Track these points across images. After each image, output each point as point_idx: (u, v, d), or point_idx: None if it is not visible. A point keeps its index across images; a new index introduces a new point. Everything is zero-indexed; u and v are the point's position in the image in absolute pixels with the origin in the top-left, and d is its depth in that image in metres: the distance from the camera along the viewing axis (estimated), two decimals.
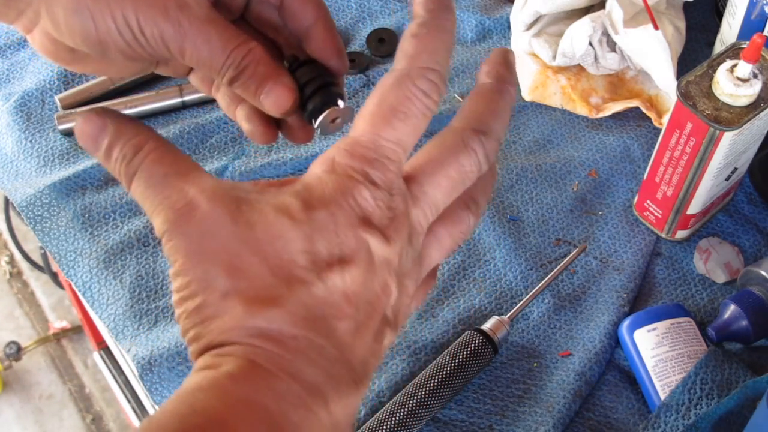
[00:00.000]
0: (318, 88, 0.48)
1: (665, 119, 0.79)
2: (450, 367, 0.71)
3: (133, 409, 1.46)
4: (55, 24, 0.46)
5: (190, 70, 0.52)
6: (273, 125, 0.50)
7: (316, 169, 0.41)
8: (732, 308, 0.74)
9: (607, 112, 0.89)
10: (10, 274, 2.05)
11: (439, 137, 0.45)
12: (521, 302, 0.76)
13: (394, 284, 0.41)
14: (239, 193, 0.40)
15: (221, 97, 0.51)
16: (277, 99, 0.47)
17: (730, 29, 0.86)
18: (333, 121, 0.48)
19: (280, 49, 0.51)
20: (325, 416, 0.37)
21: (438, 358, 0.72)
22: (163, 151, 0.41)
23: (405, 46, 0.43)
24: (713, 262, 0.80)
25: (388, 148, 0.41)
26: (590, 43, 0.85)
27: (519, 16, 0.89)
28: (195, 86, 0.53)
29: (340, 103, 0.48)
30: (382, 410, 0.70)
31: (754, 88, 0.70)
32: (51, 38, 0.47)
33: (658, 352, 0.72)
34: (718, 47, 0.91)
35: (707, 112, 0.70)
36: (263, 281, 0.38)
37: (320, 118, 0.48)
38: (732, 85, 0.70)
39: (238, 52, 0.46)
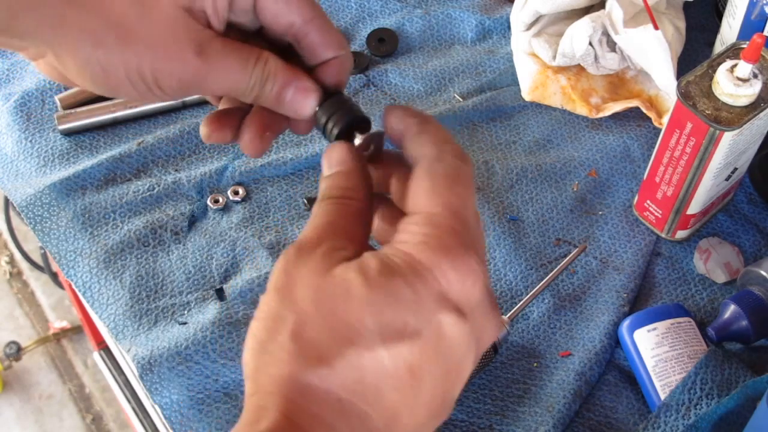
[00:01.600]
0: (345, 115, 0.48)
1: (665, 119, 0.79)
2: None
3: (133, 409, 1.46)
4: (64, 67, 0.46)
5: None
6: (228, 127, 0.51)
7: (407, 229, 0.41)
8: (732, 308, 0.74)
9: (607, 112, 0.89)
10: (10, 274, 2.05)
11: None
12: (521, 302, 0.76)
13: (471, 363, 0.41)
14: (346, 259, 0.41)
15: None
16: (299, 101, 0.48)
17: (730, 29, 0.86)
18: (367, 149, 0.49)
19: (296, 52, 0.51)
20: None
21: None
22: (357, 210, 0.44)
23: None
24: (713, 262, 0.80)
25: (470, 224, 0.41)
26: (590, 43, 0.85)
27: (519, 16, 0.89)
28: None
29: (374, 130, 0.48)
30: None
31: (754, 88, 0.70)
32: (58, 71, 0.47)
33: (658, 352, 0.72)
34: (718, 47, 0.91)
35: (707, 112, 0.70)
36: (326, 338, 0.38)
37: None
38: (732, 85, 0.70)
39: (258, 66, 0.47)
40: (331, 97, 0.49)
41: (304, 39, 0.49)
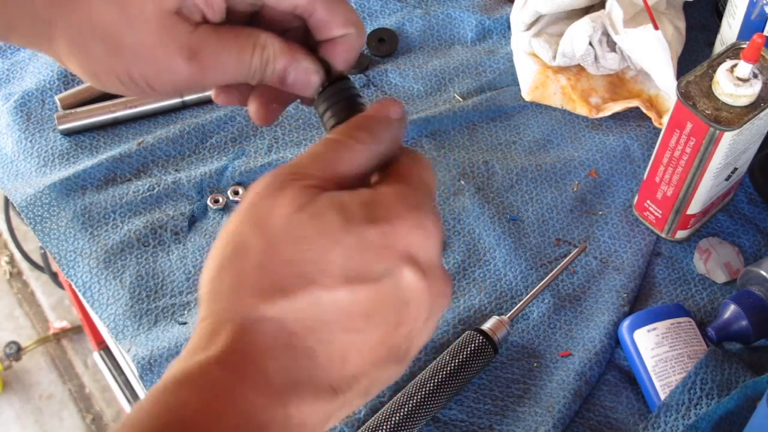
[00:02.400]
0: (345, 107, 0.48)
1: (665, 119, 0.79)
2: (450, 367, 0.71)
3: None
4: (71, 67, 0.47)
5: None
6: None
7: (389, 184, 0.42)
8: (732, 308, 0.74)
9: (607, 112, 0.89)
10: (10, 274, 2.05)
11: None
12: (521, 302, 0.76)
13: (421, 321, 0.41)
14: (320, 191, 0.41)
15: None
16: (300, 83, 0.48)
17: (730, 29, 0.86)
18: None
19: (299, 31, 0.50)
20: (295, 413, 0.38)
21: (438, 358, 0.72)
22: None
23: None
24: (713, 262, 0.80)
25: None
26: (590, 43, 0.85)
27: (519, 16, 0.89)
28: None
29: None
30: (382, 410, 0.70)
31: (754, 88, 0.70)
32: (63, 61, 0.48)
33: (658, 352, 0.72)
34: (718, 47, 0.91)
35: (707, 112, 0.70)
36: (290, 272, 0.39)
37: None
38: (732, 85, 0.70)
39: (257, 54, 0.47)
40: (334, 83, 0.48)
41: (310, 18, 0.48)
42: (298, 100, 0.51)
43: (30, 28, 0.45)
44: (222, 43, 0.46)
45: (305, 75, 0.48)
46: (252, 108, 0.51)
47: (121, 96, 0.90)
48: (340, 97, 0.48)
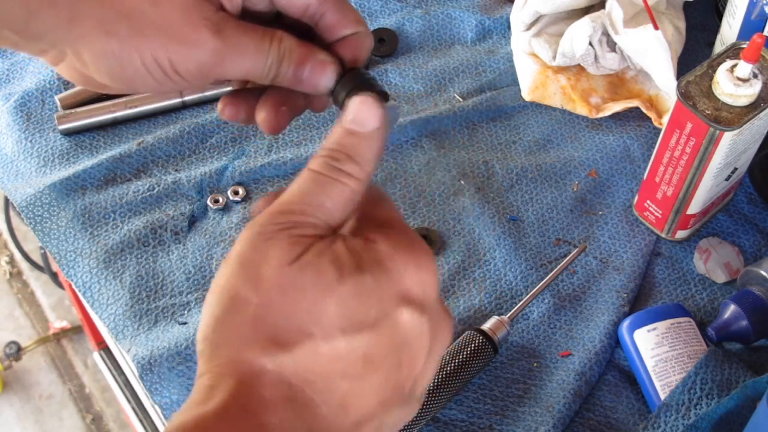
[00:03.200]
0: (363, 89, 0.47)
1: (665, 119, 0.79)
2: (450, 367, 0.71)
3: (133, 409, 1.46)
4: (83, 64, 0.46)
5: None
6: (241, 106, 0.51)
7: (377, 228, 0.42)
8: (732, 308, 0.74)
9: (607, 112, 0.89)
10: (10, 274, 2.05)
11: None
12: (521, 302, 0.76)
13: (423, 358, 0.41)
14: (314, 240, 0.40)
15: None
16: (317, 76, 0.47)
17: (730, 29, 0.86)
18: None
19: (314, 35, 0.50)
20: None
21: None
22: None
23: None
24: (713, 262, 0.80)
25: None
26: (590, 43, 0.85)
27: (519, 16, 0.89)
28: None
29: (391, 101, 0.48)
30: None
31: (754, 88, 0.70)
32: (79, 71, 0.47)
33: (658, 352, 0.72)
34: (718, 47, 0.91)
35: (707, 112, 0.70)
36: (287, 325, 0.39)
37: None
38: (732, 85, 0.70)
39: (274, 46, 0.46)
40: (349, 72, 0.48)
41: (320, 20, 0.48)
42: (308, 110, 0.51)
43: (51, 16, 0.44)
44: (243, 29, 0.46)
45: (322, 67, 0.47)
46: (261, 116, 0.50)
47: (121, 97, 0.90)
48: (358, 80, 0.48)
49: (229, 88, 0.52)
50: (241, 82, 0.52)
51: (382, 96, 0.48)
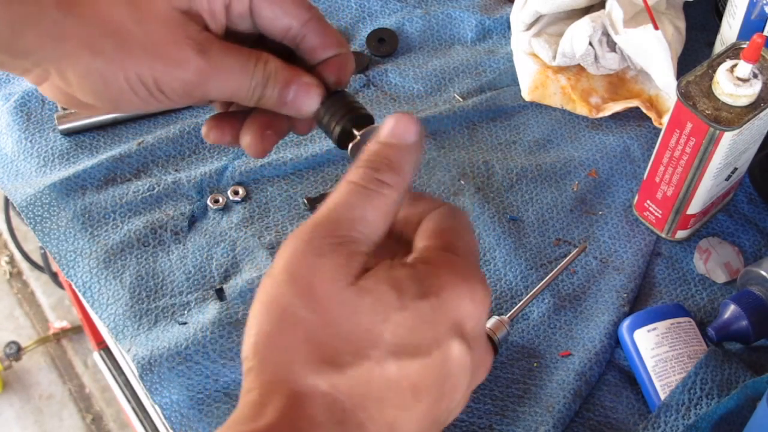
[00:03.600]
0: (347, 112, 0.48)
1: (665, 119, 0.79)
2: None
3: (133, 409, 1.46)
4: (67, 84, 0.46)
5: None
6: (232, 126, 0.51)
7: (437, 251, 0.41)
8: (732, 308, 0.74)
9: (607, 112, 0.89)
10: (10, 274, 2.05)
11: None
12: (521, 302, 0.76)
13: (463, 391, 0.41)
14: (373, 265, 0.40)
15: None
16: (302, 98, 0.47)
17: (730, 29, 0.86)
18: (365, 145, 0.48)
19: (296, 57, 0.51)
20: None
21: None
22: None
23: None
24: (713, 262, 0.80)
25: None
26: (590, 43, 0.85)
27: (519, 16, 0.89)
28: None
29: (376, 126, 0.48)
30: None
31: (754, 88, 0.70)
32: (63, 91, 0.47)
33: (658, 352, 0.72)
34: (718, 47, 0.91)
35: (707, 112, 0.70)
36: (342, 346, 0.38)
37: (350, 144, 0.48)
38: (732, 85, 0.70)
39: (259, 67, 0.46)
40: (333, 95, 0.49)
41: (302, 42, 0.49)
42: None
43: (36, 34, 0.44)
44: (228, 50, 0.46)
45: (307, 89, 0.47)
46: (246, 140, 0.50)
47: None
48: (342, 104, 0.48)
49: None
50: (225, 104, 0.52)
51: (367, 119, 0.48)
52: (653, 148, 0.78)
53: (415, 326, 0.39)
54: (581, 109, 0.89)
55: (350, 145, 0.48)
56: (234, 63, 0.46)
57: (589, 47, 0.86)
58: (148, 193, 0.84)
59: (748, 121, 0.70)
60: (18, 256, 1.95)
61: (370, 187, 0.41)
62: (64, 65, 0.45)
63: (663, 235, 0.82)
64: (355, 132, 0.48)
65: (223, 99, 0.48)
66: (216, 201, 0.84)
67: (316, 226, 0.40)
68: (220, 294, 0.78)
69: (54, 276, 1.78)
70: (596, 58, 0.87)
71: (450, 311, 0.39)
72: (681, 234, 0.81)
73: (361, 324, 0.38)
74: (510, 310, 0.76)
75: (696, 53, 0.94)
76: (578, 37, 0.85)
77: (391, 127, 0.43)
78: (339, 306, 0.38)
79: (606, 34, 0.86)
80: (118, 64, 0.44)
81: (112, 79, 0.45)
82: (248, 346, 0.39)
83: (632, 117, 0.90)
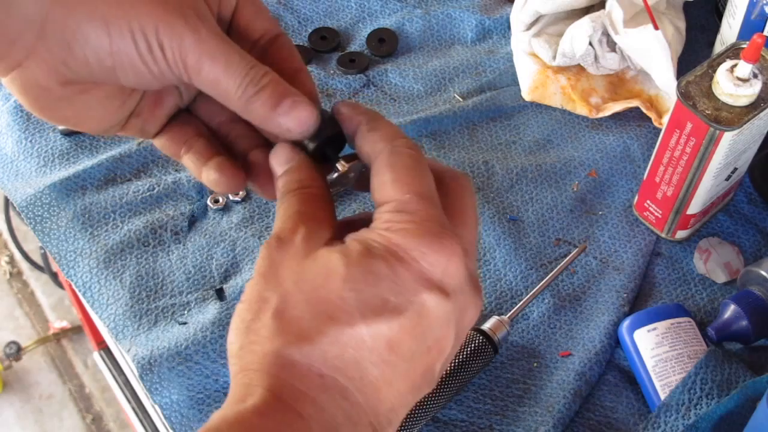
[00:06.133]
0: (331, 142, 0.47)
1: (665, 119, 0.79)
2: (450, 367, 0.71)
3: (133, 409, 1.46)
4: (62, 40, 0.43)
5: (160, 130, 0.50)
6: (241, 172, 0.50)
7: (394, 218, 0.42)
8: (732, 308, 0.74)
9: (607, 112, 0.89)
10: (10, 274, 2.05)
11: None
12: (521, 302, 0.76)
13: (451, 340, 0.42)
14: (331, 242, 0.42)
15: (189, 158, 0.50)
16: (300, 116, 0.45)
17: (730, 29, 0.86)
18: (346, 175, 0.48)
19: None
20: None
21: None
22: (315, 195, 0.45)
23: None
24: (713, 262, 0.80)
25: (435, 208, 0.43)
26: (590, 43, 0.85)
27: (519, 16, 0.89)
28: (160, 148, 0.51)
29: (359, 162, 0.47)
30: None
31: (754, 88, 0.70)
32: (42, 70, 0.44)
33: (658, 352, 0.72)
34: (718, 47, 0.91)
35: (707, 112, 0.70)
36: (306, 316, 0.40)
37: (335, 175, 0.48)
38: (732, 85, 0.70)
39: (257, 70, 0.45)
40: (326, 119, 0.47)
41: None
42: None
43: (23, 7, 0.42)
44: (228, 40, 0.46)
45: (304, 107, 0.45)
46: (220, 175, 0.49)
47: None
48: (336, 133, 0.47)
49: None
50: (181, 127, 0.50)
51: (339, 139, 0.47)
52: (653, 148, 0.78)
53: (375, 284, 0.39)
54: (581, 109, 0.89)
55: (335, 176, 0.48)
56: (231, 50, 0.45)
57: (589, 47, 0.86)
58: (148, 193, 0.84)
59: (748, 121, 0.70)
60: (18, 256, 1.95)
61: (297, 192, 0.45)
62: (64, 12, 0.43)
63: (663, 235, 0.82)
64: (332, 157, 0.47)
65: (209, 84, 0.45)
66: (216, 201, 0.84)
67: (278, 231, 0.43)
68: (220, 294, 0.78)
69: (54, 276, 1.78)
70: (596, 58, 0.87)
71: (411, 268, 0.40)
72: (681, 234, 0.81)
73: (320, 291, 0.40)
74: (510, 310, 0.76)
75: (696, 53, 0.94)
76: (578, 37, 0.85)
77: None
78: (296, 281, 0.40)
79: (606, 34, 0.86)
80: (123, 10, 0.43)
81: (116, 28, 0.43)
82: (229, 335, 0.42)
83: (632, 117, 0.90)
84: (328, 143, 0.47)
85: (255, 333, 0.40)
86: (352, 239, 0.42)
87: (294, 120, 0.45)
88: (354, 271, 0.40)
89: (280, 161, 0.47)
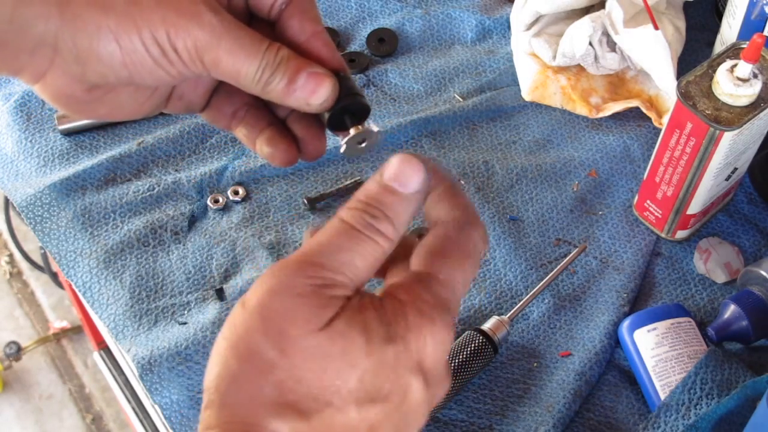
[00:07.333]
0: (349, 103, 0.45)
1: (665, 119, 0.79)
2: (450, 367, 0.71)
3: (133, 409, 1.45)
4: (75, 57, 0.44)
5: (206, 105, 0.51)
6: (294, 145, 0.49)
7: (406, 298, 0.41)
8: (732, 308, 0.74)
9: (607, 112, 0.89)
10: (10, 274, 2.05)
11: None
12: (521, 302, 0.76)
13: (420, 418, 0.41)
14: (345, 300, 0.39)
15: (240, 130, 0.50)
16: (316, 88, 0.45)
17: (730, 29, 0.86)
18: (361, 143, 0.46)
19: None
20: None
21: None
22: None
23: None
24: (713, 262, 0.80)
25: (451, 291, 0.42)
26: (590, 43, 0.85)
27: (519, 16, 0.89)
28: (210, 122, 0.52)
29: (373, 126, 0.46)
30: None
31: (754, 88, 0.70)
32: (65, 80, 0.45)
33: (658, 352, 0.72)
34: (718, 47, 0.91)
35: (707, 112, 0.70)
36: (307, 393, 0.38)
37: (347, 138, 0.46)
38: (732, 85, 0.70)
39: (271, 50, 0.45)
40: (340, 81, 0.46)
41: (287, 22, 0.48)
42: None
43: (42, 5, 0.42)
44: (241, 26, 0.45)
45: (318, 78, 0.45)
46: (272, 148, 0.49)
47: None
48: (342, 86, 0.45)
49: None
50: (227, 99, 0.50)
51: (362, 108, 0.46)
52: (653, 148, 0.78)
53: (380, 372, 0.38)
54: (581, 109, 0.89)
55: (344, 140, 0.46)
56: (245, 36, 0.44)
57: (589, 47, 0.86)
58: (148, 193, 0.84)
59: (748, 121, 0.70)
60: (18, 256, 1.95)
61: (363, 233, 0.40)
62: (72, 30, 0.43)
63: (663, 235, 0.82)
64: (350, 125, 0.46)
65: (229, 75, 0.45)
66: (216, 201, 0.84)
67: (301, 264, 0.39)
68: (220, 294, 0.78)
69: (54, 276, 1.78)
70: (596, 58, 0.87)
71: (412, 354, 0.39)
72: (681, 234, 0.81)
73: (329, 370, 0.38)
74: (510, 310, 0.76)
75: (696, 53, 0.94)
76: (578, 37, 0.85)
77: (394, 170, 0.41)
78: (308, 352, 0.38)
79: (606, 34, 0.86)
80: (131, 20, 0.42)
81: (125, 37, 0.43)
82: (211, 378, 0.39)
83: (632, 117, 0.90)
84: (345, 112, 0.45)
85: (244, 391, 0.38)
86: (374, 313, 0.39)
87: (311, 93, 0.45)
88: (370, 360, 0.38)
89: (400, 176, 0.42)
